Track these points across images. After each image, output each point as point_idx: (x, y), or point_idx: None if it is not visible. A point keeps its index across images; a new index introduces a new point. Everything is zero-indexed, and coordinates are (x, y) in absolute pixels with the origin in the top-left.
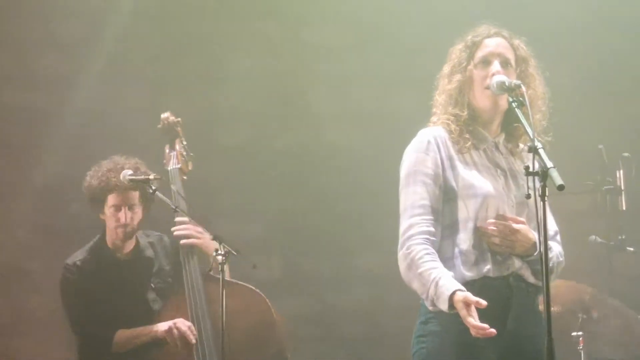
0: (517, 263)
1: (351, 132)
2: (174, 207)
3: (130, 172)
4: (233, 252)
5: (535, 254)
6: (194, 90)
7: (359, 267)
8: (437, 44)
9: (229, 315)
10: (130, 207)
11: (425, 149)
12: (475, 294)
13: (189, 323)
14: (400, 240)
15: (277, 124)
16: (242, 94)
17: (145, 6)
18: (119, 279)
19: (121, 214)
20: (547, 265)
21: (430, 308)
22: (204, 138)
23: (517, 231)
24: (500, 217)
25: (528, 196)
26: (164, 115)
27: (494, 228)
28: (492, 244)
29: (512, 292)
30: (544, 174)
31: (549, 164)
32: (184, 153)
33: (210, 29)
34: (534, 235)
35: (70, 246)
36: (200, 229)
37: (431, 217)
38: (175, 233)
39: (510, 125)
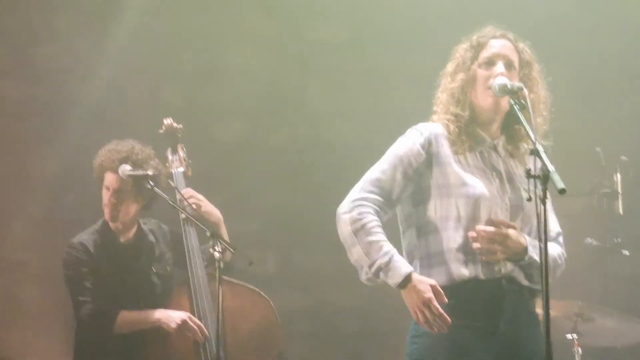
0: (509, 265)
1: (348, 128)
2: (171, 203)
3: (128, 167)
4: (230, 249)
5: (525, 258)
6: (190, 86)
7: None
8: (435, 42)
9: (233, 316)
10: (118, 191)
11: (415, 140)
12: (467, 296)
13: (198, 322)
14: (349, 203)
15: (274, 120)
16: (239, 90)
17: (143, 2)
18: (122, 261)
19: (105, 194)
20: (547, 268)
21: (366, 278)
22: (200, 133)
23: (507, 236)
24: (490, 221)
25: (529, 199)
26: (167, 121)
27: (484, 235)
28: (481, 249)
29: (505, 294)
30: (545, 177)
31: (551, 167)
32: (186, 158)
33: (208, 24)
34: (525, 239)
35: (68, 238)
36: (201, 197)
37: (383, 202)
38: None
39: (511, 127)
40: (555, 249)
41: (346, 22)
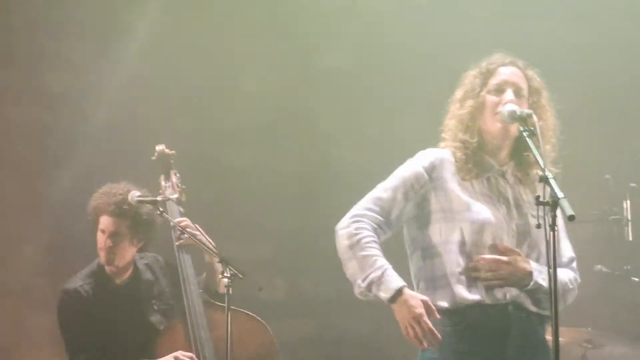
0: (514, 291)
1: (357, 154)
2: (180, 229)
3: (138, 193)
4: (239, 275)
5: (531, 283)
6: (201, 111)
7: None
8: (444, 70)
9: (231, 343)
10: (114, 235)
11: (420, 163)
12: (472, 321)
13: (189, 354)
14: (348, 219)
15: (283, 145)
16: (249, 115)
17: (154, 26)
18: (119, 305)
19: (100, 238)
20: (556, 294)
21: (359, 292)
22: (210, 158)
23: (507, 263)
24: (493, 247)
25: (538, 226)
26: (159, 148)
27: (483, 263)
28: (480, 278)
29: (511, 320)
30: (554, 204)
31: (560, 194)
32: (179, 184)
33: (218, 50)
34: (529, 264)
35: (75, 264)
36: (196, 226)
37: (381, 220)
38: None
39: (520, 153)
40: (566, 274)
41: (356, 49)
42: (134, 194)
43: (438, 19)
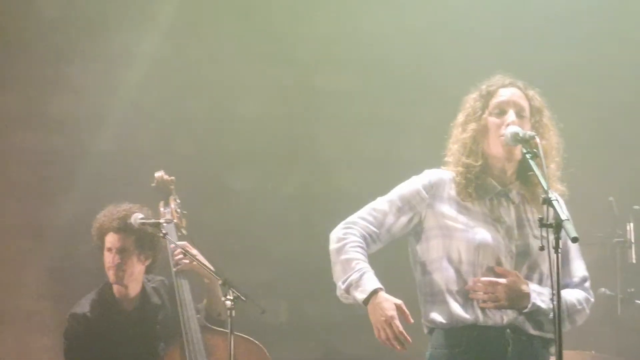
0: (510, 313)
1: (359, 177)
2: (184, 252)
3: (141, 215)
4: (242, 297)
5: (529, 306)
6: (203, 134)
7: (366, 314)
8: (445, 93)
9: None
10: (121, 251)
11: (420, 181)
12: (470, 344)
13: None
14: (340, 225)
15: (285, 168)
16: (250, 139)
17: (157, 51)
18: (126, 330)
19: (107, 257)
20: (559, 316)
21: (340, 294)
22: (212, 182)
23: (504, 285)
24: (489, 269)
25: (542, 248)
26: (158, 174)
27: (479, 285)
28: (476, 298)
29: (508, 343)
30: (558, 226)
31: (563, 216)
32: (179, 210)
33: (219, 73)
34: (527, 286)
35: (79, 289)
36: (196, 252)
37: (372, 230)
38: (175, 259)
39: (525, 173)
40: (575, 295)
41: (356, 72)
42: (137, 217)
43: (439, 42)
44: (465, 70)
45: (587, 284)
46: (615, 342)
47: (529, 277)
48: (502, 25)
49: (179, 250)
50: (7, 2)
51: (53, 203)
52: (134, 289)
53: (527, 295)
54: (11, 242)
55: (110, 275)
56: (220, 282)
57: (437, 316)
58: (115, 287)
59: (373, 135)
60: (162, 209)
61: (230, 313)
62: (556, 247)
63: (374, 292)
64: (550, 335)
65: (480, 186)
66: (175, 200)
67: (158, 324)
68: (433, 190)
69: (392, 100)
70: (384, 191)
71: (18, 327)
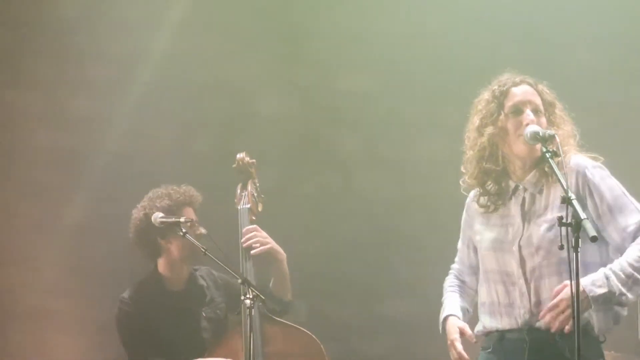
0: (526, 315)
1: (378, 177)
2: (204, 250)
3: (161, 214)
4: (261, 296)
5: (592, 300)
6: (221, 134)
7: (385, 314)
8: (465, 93)
9: (285, 358)
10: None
11: (465, 210)
12: (496, 346)
13: None
14: None
15: (304, 169)
16: (269, 139)
17: (175, 49)
18: (173, 309)
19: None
20: (578, 314)
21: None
22: (230, 183)
23: (562, 300)
24: (501, 273)
25: (561, 247)
26: (239, 156)
27: (548, 317)
28: (557, 328)
29: (526, 343)
30: (577, 225)
31: (583, 215)
32: (255, 194)
33: (239, 73)
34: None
35: (98, 287)
36: (265, 234)
37: (461, 269)
38: (245, 244)
39: (542, 163)
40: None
41: (376, 72)
42: (157, 215)
43: (458, 43)
44: (484, 71)
45: None
46: (635, 342)
47: (547, 266)
48: (522, 26)
49: (252, 234)
50: (29, 3)
51: (72, 201)
52: (185, 271)
53: (582, 293)
54: (29, 240)
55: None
56: (239, 281)
57: (477, 327)
58: (168, 269)
59: (392, 135)
60: (238, 192)
61: (250, 312)
62: (575, 247)
63: (445, 319)
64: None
65: (498, 193)
66: (254, 183)
67: (205, 305)
68: (469, 211)
69: (411, 100)
70: (402, 191)
71: (36, 325)
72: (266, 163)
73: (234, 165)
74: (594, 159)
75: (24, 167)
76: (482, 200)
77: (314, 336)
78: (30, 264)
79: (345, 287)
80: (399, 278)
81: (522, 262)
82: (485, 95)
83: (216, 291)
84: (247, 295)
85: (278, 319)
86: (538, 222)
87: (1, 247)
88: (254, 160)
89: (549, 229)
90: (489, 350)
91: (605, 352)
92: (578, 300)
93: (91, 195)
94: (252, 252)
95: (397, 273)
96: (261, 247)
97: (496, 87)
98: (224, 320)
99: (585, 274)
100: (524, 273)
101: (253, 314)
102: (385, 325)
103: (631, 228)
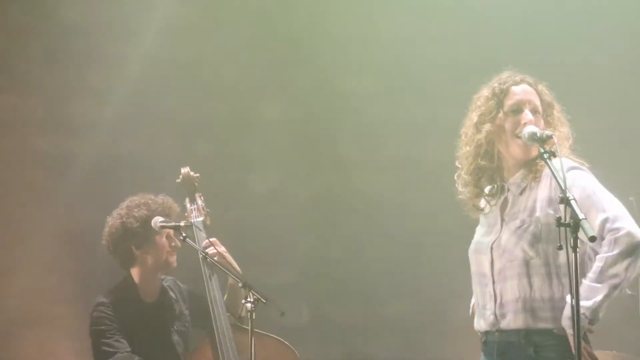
0: (491, 316)
1: (380, 179)
2: (203, 254)
3: (161, 219)
4: (262, 299)
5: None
6: (223, 137)
7: (388, 316)
8: (465, 93)
9: None
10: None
11: None
12: (482, 346)
13: None
14: None
15: (307, 170)
16: (271, 141)
17: (175, 53)
18: (147, 322)
19: (168, 240)
20: (578, 315)
21: None
22: (233, 184)
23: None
24: (478, 274)
25: (560, 247)
26: (184, 170)
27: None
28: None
29: (496, 346)
30: (575, 226)
31: (581, 215)
32: (204, 207)
33: (241, 76)
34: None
35: (98, 291)
36: (224, 249)
37: None
38: (211, 252)
39: (530, 163)
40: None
41: (377, 73)
42: (157, 220)
43: (459, 43)
44: (486, 72)
45: (610, 225)
46: (637, 341)
47: (509, 268)
48: (525, 26)
49: (207, 242)
50: (29, 8)
51: (74, 207)
52: (158, 282)
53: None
54: (33, 246)
55: (173, 260)
56: (240, 284)
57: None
58: (142, 279)
59: (394, 136)
60: (188, 205)
61: (251, 315)
62: (574, 247)
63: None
64: (541, 325)
65: (492, 193)
66: (200, 196)
67: (175, 319)
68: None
69: (412, 101)
70: (404, 192)
71: (42, 331)
72: (267, 165)
73: (178, 180)
74: (581, 164)
75: (25, 173)
76: (481, 202)
77: (287, 344)
78: (32, 269)
79: (347, 287)
80: (401, 279)
81: (492, 264)
82: (485, 92)
83: (183, 304)
84: (249, 299)
85: (247, 327)
86: (509, 225)
87: (2, 253)
88: (198, 175)
89: (515, 231)
90: (484, 346)
91: (607, 352)
92: (577, 300)
93: (95, 200)
94: (206, 258)
95: (398, 274)
96: (215, 253)
97: (496, 84)
98: (190, 334)
99: (565, 276)
100: (492, 275)
101: (219, 327)
102: (387, 326)
103: (596, 229)
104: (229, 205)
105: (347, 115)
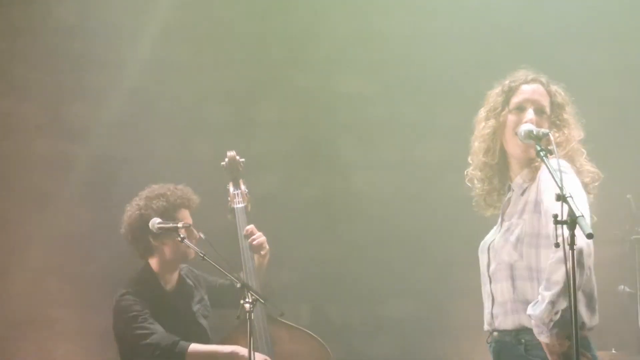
0: (488, 315)
1: (379, 180)
2: (202, 255)
3: (158, 220)
4: (260, 300)
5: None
6: (222, 139)
7: (387, 316)
8: (465, 94)
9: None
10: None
11: None
12: (491, 342)
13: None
14: None
15: (306, 172)
16: (270, 143)
17: (173, 55)
18: (171, 308)
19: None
20: (576, 316)
21: None
22: None
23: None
24: (483, 274)
25: (557, 245)
26: (230, 154)
27: None
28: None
29: (493, 345)
30: (572, 223)
31: (578, 212)
32: (247, 193)
33: (238, 77)
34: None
35: (99, 295)
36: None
37: None
38: (255, 242)
39: (533, 163)
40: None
41: (375, 74)
42: (155, 221)
43: (458, 44)
44: (484, 73)
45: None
46: (636, 340)
47: (499, 270)
48: (523, 26)
49: (249, 229)
50: (25, 10)
51: (74, 210)
52: (176, 271)
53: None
54: (31, 249)
55: (191, 251)
56: (238, 285)
57: None
58: (161, 269)
59: (392, 137)
60: (231, 190)
61: (250, 315)
62: (571, 244)
63: None
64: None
65: (502, 192)
66: (244, 182)
67: (197, 304)
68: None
69: (410, 102)
70: (403, 193)
71: (41, 333)
72: (267, 167)
73: (223, 163)
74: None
75: (23, 175)
76: (489, 200)
77: (319, 339)
78: (31, 272)
79: (347, 288)
80: (400, 279)
81: (489, 265)
82: (497, 88)
83: (201, 289)
84: (247, 300)
85: (284, 321)
86: (504, 226)
87: (1, 255)
88: (243, 159)
89: (504, 233)
90: (490, 345)
91: (605, 351)
92: (575, 298)
93: (90, 203)
94: (262, 252)
95: (398, 274)
96: (267, 247)
97: (508, 82)
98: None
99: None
100: (489, 275)
101: (253, 317)
102: (387, 326)
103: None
104: (227, 208)
105: (345, 117)
